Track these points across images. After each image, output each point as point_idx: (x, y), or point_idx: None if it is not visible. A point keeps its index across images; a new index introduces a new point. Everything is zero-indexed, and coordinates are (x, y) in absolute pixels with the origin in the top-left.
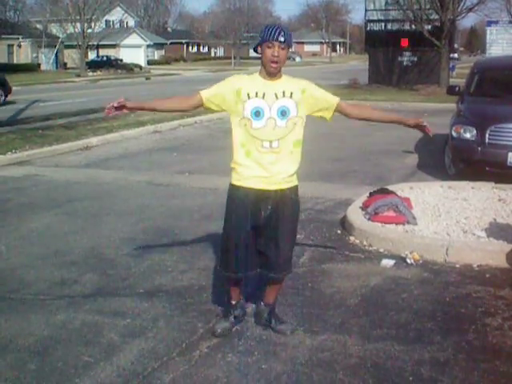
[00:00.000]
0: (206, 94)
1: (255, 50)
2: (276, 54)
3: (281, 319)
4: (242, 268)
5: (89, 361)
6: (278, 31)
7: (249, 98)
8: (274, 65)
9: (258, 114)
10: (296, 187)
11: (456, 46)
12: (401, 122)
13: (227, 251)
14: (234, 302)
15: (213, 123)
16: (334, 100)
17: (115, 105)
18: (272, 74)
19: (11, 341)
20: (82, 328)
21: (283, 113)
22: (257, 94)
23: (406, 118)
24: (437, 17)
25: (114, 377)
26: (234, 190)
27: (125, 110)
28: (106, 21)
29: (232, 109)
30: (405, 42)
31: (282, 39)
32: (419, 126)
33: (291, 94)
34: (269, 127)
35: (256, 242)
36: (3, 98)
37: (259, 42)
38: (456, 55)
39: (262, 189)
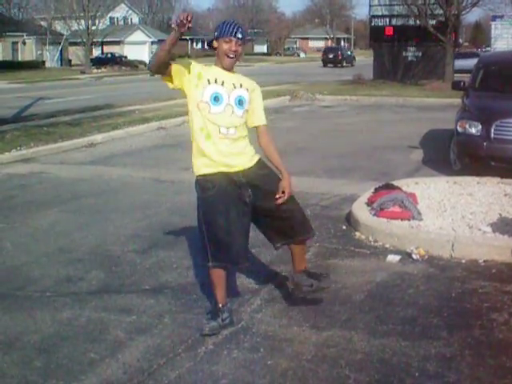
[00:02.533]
0: (176, 64)
1: (209, 45)
2: (233, 49)
3: (318, 276)
4: (242, 256)
5: (95, 358)
6: (235, 27)
7: (209, 83)
8: (230, 59)
9: (216, 99)
10: (260, 160)
11: (461, 40)
12: (281, 169)
13: (215, 243)
14: (220, 305)
15: None
16: (260, 120)
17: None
18: (228, 67)
19: (17, 338)
20: (87, 325)
21: (240, 102)
22: (216, 80)
23: (283, 174)
24: (441, 12)
25: (119, 373)
26: (203, 179)
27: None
28: (110, 18)
29: (191, 92)
30: (389, 31)
31: (239, 35)
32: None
33: (246, 88)
34: (227, 113)
35: (265, 222)
36: None
37: (216, 37)
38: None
39: (229, 172)
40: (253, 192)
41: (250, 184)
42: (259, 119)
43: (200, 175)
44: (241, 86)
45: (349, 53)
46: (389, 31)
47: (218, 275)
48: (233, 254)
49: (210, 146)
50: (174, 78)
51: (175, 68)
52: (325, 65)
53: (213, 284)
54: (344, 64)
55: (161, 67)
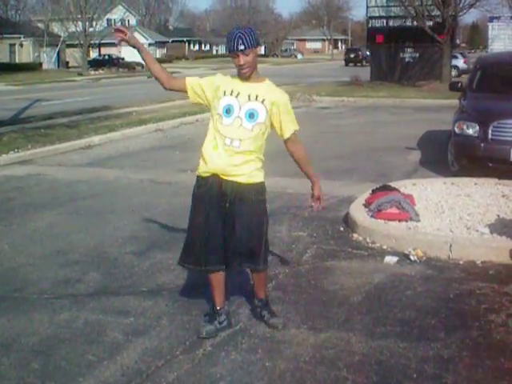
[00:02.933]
0: (190, 81)
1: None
2: (242, 63)
3: (273, 313)
4: (204, 261)
5: (92, 360)
6: (236, 41)
7: (224, 95)
8: (242, 71)
9: (228, 111)
10: (259, 185)
11: (458, 41)
12: (310, 179)
13: (187, 242)
14: (218, 308)
15: None
16: (288, 132)
17: (120, 28)
18: (244, 78)
19: (15, 340)
20: (85, 327)
21: (251, 115)
22: (232, 92)
23: (316, 185)
24: (438, 13)
25: (117, 376)
26: (201, 178)
27: (124, 37)
28: (107, 19)
29: (211, 104)
30: (380, 39)
31: (241, 48)
32: (314, 198)
33: (263, 100)
34: (234, 125)
35: (226, 236)
36: None
37: (228, 52)
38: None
39: (223, 178)
40: (230, 207)
41: (233, 198)
42: (287, 131)
43: (199, 174)
44: (256, 98)
45: (367, 53)
46: (380, 39)
47: (216, 279)
48: (197, 258)
49: (214, 155)
50: (192, 96)
51: (190, 88)
52: (346, 64)
53: (211, 287)
54: (364, 63)
55: (164, 83)
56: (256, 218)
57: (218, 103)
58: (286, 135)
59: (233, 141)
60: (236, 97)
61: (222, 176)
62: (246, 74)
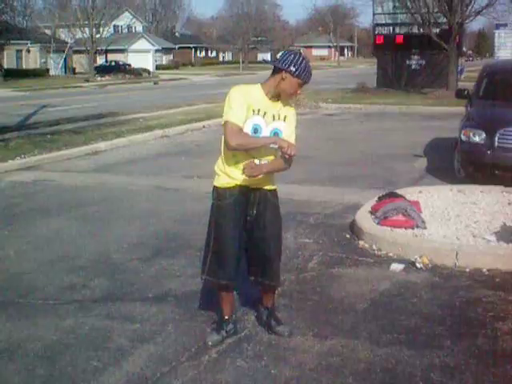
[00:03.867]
0: (238, 121)
1: (275, 66)
2: (299, 92)
3: (280, 321)
4: (235, 273)
5: (98, 366)
6: (310, 74)
7: (253, 114)
8: (291, 98)
9: (256, 130)
10: (276, 190)
11: (464, 49)
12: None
13: (221, 256)
14: (226, 317)
15: (220, 127)
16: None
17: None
18: (284, 101)
19: (20, 346)
20: (90, 333)
21: (276, 134)
22: (259, 111)
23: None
24: (445, 20)
25: (123, 382)
26: (224, 190)
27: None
28: (114, 26)
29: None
30: (386, 46)
31: (308, 81)
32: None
33: (285, 117)
34: (262, 146)
35: (247, 248)
36: None
37: (291, 72)
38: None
39: (246, 186)
40: (257, 214)
41: (257, 205)
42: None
43: (220, 185)
44: (279, 117)
45: None
46: (386, 46)
47: (228, 289)
48: (230, 271)
49: (236, 171)
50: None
51: (242, 124)
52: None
53: (220, 296)
54: None
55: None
56: (278, 222)
57: (246, 122)
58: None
59: (261, 161)
60: (263, 116)
61: (244, 184)
62: (288, 100)
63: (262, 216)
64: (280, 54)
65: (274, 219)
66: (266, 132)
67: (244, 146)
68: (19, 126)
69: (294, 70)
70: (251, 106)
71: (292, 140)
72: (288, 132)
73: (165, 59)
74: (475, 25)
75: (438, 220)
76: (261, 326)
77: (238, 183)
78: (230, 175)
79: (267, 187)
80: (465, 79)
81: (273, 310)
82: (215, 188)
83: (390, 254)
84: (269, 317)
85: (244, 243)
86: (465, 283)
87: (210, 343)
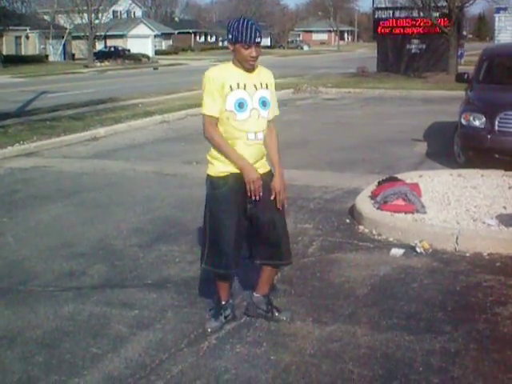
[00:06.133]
0: (212, 112)
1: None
2: (254, 55)
3: (278, 308)
4: (234, 263)
5: (97, 352)
6: (254, 33)
7: (231, 89)
8: (252, 63)
9: (241, 105)
10: (270, 171)
11: (465, 33)
12: (273, 165)
13: (218, 246)
14: (223, 303)
15: None
16: (274, 112)
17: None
18: (250, 70)
19: (19, 333)
20: (89, 320)
21: (264, 103)
22: (238, 85)
23: (279, 175)
24: (445, 4)
25: (122, 368)
26: (215, 177)
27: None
28: (113, 11)
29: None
30: (386, 30)
31: (258, 40)
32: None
33: (266, 85)
34: (253, 118)
35: (252, 232)
36: None
37: (232, 41)
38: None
39: (240, 173)
40: (256, 201)
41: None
42: (271, 114)
43: (214, 174)
44: (261, 85)
45: None
46: (386, 30)
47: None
48: (227, 261)
49: None
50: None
51: (218, 113)
52: None
53: (218, 282)
54: None
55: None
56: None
57: (226, 100)
58: (270, 117)
59: (257, 134)
60: (244, 89)
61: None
62: (253, 66)
63: (262, 199)
64: None
65: (273, 199)
66: (253, 103)
67: (216, 146)
68: (18, 113)
69: (231, 37)
70: (227, 83)
71: (275, 105)
72: (273, 101)
73: (164, 44)
74: (475, 9)
75: (438, 204)
76: (248, 315)
77: (232, 171)
78: (223, 161)
79: (261, 170)
80: (465, 63)
81: (270, 297)
82: (209, 177)
83: (390, 239)
84: (269, 305)
85: (246, 231)
86: (465, 268)
87: (209, 329)
